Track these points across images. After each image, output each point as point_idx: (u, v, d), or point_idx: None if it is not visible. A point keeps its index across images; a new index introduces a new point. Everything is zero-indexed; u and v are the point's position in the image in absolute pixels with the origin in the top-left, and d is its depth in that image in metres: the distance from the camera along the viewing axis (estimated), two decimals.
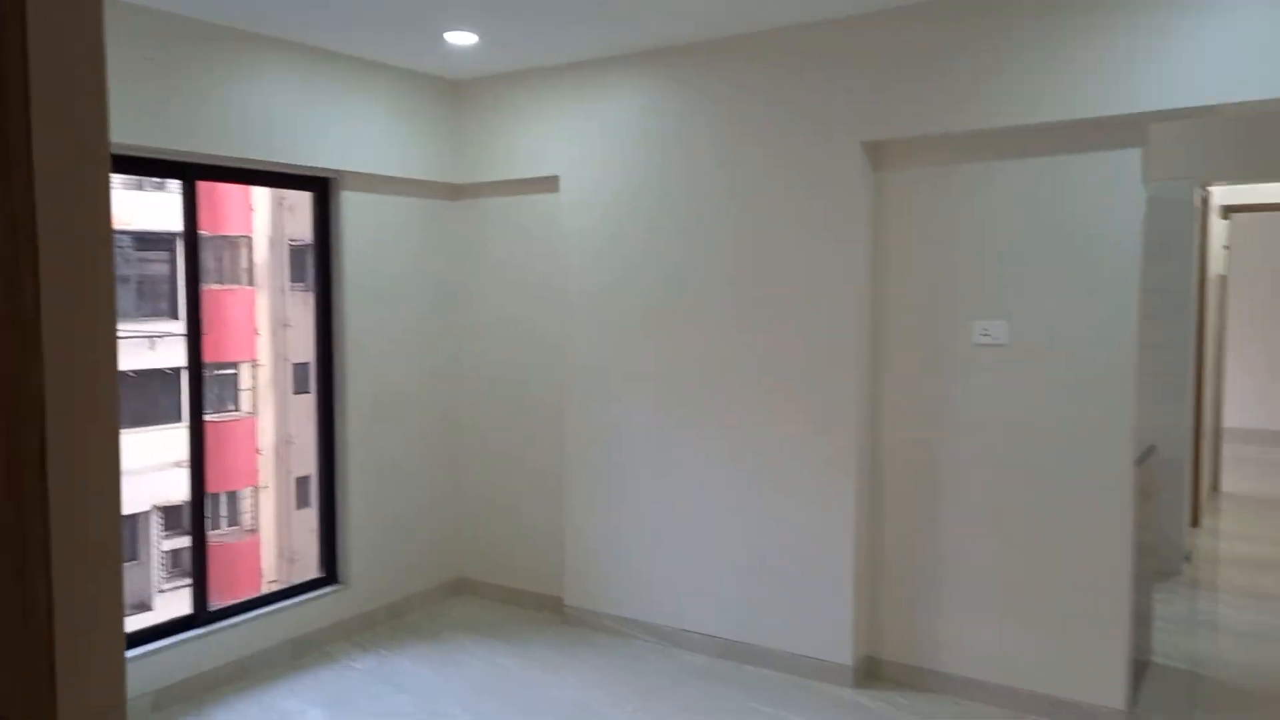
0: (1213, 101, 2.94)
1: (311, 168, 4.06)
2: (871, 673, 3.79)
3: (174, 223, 9.93)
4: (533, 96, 4.42)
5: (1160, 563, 5.05)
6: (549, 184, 4.48)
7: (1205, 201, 5.46)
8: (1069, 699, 3.37)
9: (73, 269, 0.70)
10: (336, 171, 4.18)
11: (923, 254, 3.62)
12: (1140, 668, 3.72)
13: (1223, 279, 6.64)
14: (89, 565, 0.69)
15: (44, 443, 0.67)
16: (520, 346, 4.63)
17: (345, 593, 4.27)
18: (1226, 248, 6.75)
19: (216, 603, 3.87)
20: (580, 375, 4.36)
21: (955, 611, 3.60)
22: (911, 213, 3.64)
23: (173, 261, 11.14)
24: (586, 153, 4.26)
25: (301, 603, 4.09)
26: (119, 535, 0.71)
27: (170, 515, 10.62)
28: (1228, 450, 8.71)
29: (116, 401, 0.72)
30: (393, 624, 4.43)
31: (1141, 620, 3.75)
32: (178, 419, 8.69)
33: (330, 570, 4.31)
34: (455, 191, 4.78)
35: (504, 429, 4.71)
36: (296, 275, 11.02)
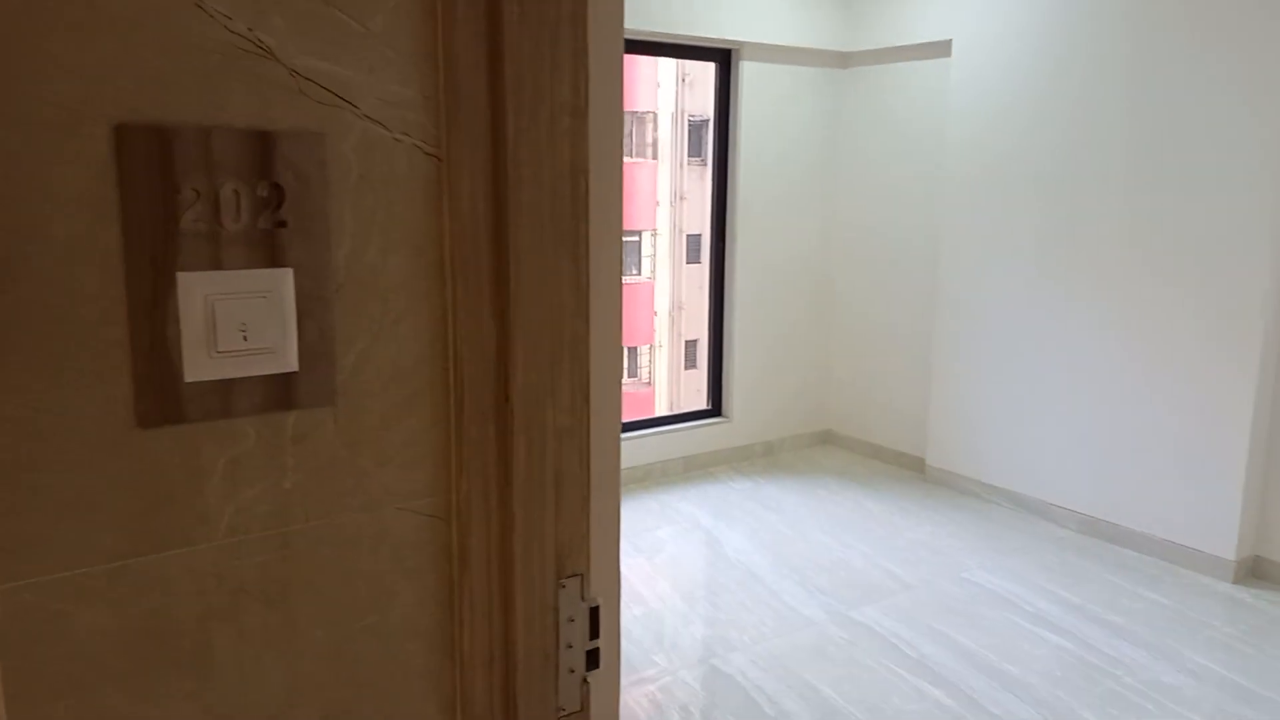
0: None
1: (716, 39, 4.46)
2: (1256, 572, 3.57)
3: None
4: None
5: None
6: (939, 49, 4.45)
7: None
8: None
9: (603, 144, 0.76)
10: (738, 42, 4.54)
11: None
12: None
13: None
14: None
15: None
16: (896, 215, 4.76)
17: (728, 425, 4.90)
18: None
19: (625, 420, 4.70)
20: (956, 243, 4.40)
21: None
22: None
23: None
24: (983, 13, 4.17)
25: (692, 428, 4.80)
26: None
27: None
28: None
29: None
30: (766, 459, 5.00)
31: None
32: None
33: (716, 406, 4.96)
34: (845, 60, 4.93)
35: (875, 294, 4.93)
36: (693, 150, 11.78)
